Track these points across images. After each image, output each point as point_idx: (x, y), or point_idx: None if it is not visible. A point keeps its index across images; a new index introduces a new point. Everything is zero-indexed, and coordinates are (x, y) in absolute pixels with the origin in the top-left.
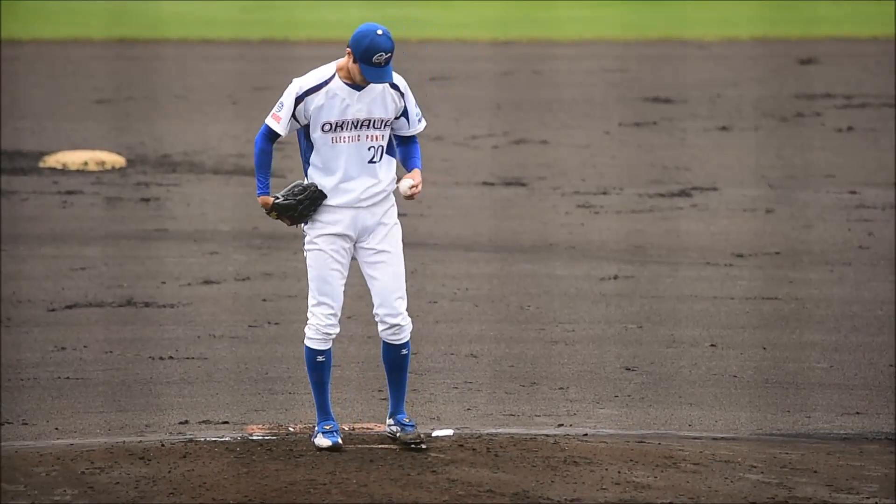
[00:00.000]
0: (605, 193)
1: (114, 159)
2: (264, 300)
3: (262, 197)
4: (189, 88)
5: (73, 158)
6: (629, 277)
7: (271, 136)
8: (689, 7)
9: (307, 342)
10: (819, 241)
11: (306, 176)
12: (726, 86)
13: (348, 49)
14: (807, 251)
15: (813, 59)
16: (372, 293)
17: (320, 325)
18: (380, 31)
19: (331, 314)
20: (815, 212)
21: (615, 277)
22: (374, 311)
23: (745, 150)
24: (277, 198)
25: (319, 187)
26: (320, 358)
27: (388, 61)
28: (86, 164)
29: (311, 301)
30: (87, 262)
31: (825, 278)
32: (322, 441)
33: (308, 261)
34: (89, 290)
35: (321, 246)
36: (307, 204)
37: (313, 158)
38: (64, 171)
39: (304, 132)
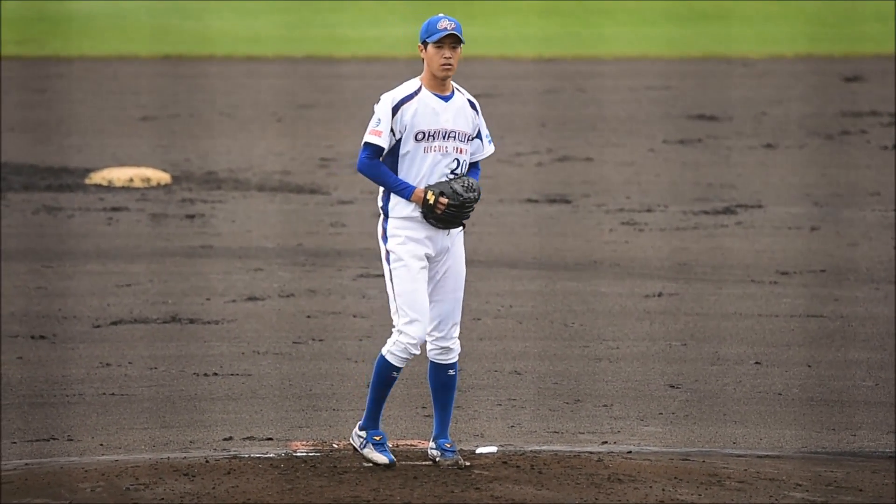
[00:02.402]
0: (649, 211)
1: (159, 176)
2: (308, 317)
3: (414, 194)
4: (234, 105)
5: (118, 175)
6: (673, 295)
7: (375, 153)
8: (734, 25)
9: (389, 357)
10: (864, 259)
11: (386, 195)
12: (771, 103)
13: (420, 47)
14: (852, 269)
15: (858, 77)
16: (430, 315)
17: (410, 343)
18: (441, 15)
19: (423, 331)
20: (861, 230)
21: (659, 295)
22: (429, 331)
23: (790, 168)
24: (450, 188)
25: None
26: (395, 374)
27: (455, 28)
28: (131, 180)
29: (401, 318)
30: (132, 278)
31: (870, 296)
32: (378, 457)
33: (395, 279)
34: (134, 307)
35: (409, 263)
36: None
37: (400, 173)
38: (109, 188)
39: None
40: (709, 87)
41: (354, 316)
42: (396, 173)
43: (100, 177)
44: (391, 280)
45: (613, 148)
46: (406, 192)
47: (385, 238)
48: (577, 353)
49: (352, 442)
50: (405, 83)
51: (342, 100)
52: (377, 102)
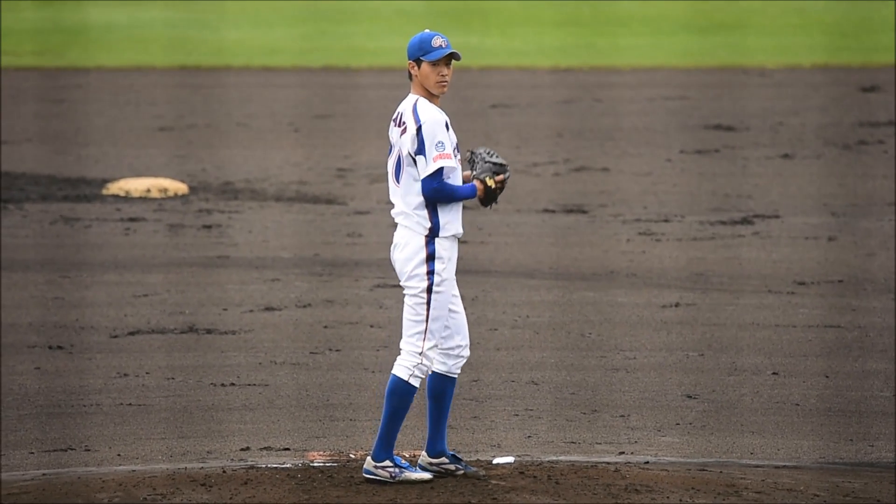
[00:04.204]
0: (666, 221)
1: (176, 186)
2: (325, 327)
3: (478, 191)
4: (251, 116)
5: (135, 185)
6: (690, 305)
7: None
8: (751, 35)
9: (412, 380)
10: (882, 270)
11: (434, 214)
12: (788, 114)
13: (411, 64)
14: (869, 279)
15: (875, 87)
16: (452, 328)
17: (429, 366)
18: (427, 30)
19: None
20: (878, 240)
21: (676, 305)
22: (456, 343)
23: (808, 178)
24: (494, 167)
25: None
26: (414, 395)
27: (447, 45)
28: (148, 191)
29: (427, 343)
30: (149, 288)
31: (888, 307)
32: (421, 475)
33: (433, 303)
34: (152, 317)
35: (447, 287)
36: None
37: None
38: (126, 199)
39: None
40: (726, 97)
41: (371, 326)
42: None
43: (117, 187)
44: (427, 304)
45: (630, 158)
46: (472, 192)
47: (432, 261)
48: (594, 363)
49: (377, 477)
50: (420, 100)
51: (359, 110)
52: (415, 125)
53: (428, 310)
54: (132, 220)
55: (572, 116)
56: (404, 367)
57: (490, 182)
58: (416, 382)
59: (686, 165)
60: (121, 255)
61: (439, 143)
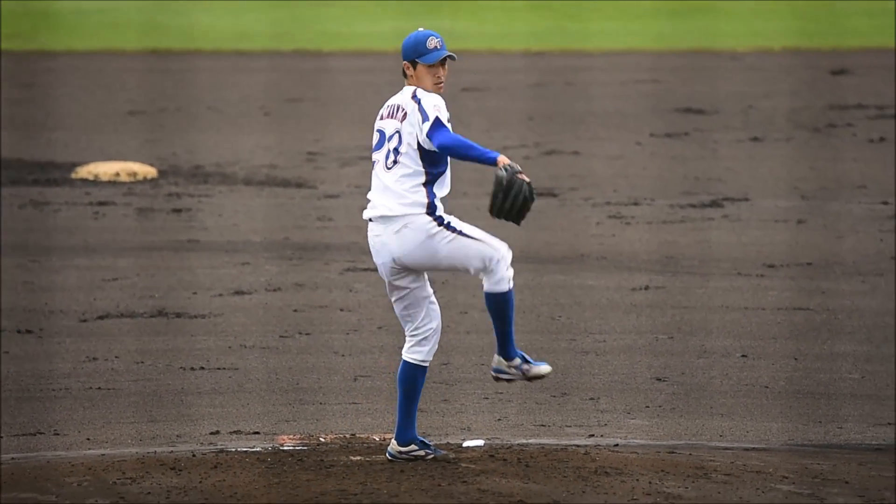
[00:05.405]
0: (636, 204)
1: (145, 170)
2: (295, 311)
3: (501, 158)
4: (222, 100)
5: (104, 169)
6: (660, 288)
7: None
8: (722, 18)
9: (511, 285)
10: (851, 252)
11: (430, 191)
12: (758, 97)
13: (406, 65)
14: (839, 262)
15: (845, 70)
16: (431, 315)
17: (509, 260)
18: (421, 28)
19: None
20: (848, 223)
21: (646, 288)
22: (432, 327)
23: (778, 161)
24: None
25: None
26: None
27: (442, 45)
28: (117, 175)
29: (495, 246)
30: (118, 272)
31: (857, 289)
32: (542, 369)
33: (458, 227)
34: (121, 301)
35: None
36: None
37: (433, 176)
38: (96, 182)
39: (426, 153)
40: (696, 80)
41: (341, 310)
42: (442, 180)
43: (86, 171)
44: (457, 232)
45: (601, 141)
46: (492, 154)
47: (434, 214)
48: (564, 346)
49: (508, 376)
50: (418, 89)
51: (330, 94)
52: (415, 104)
53: (461, 235)
54: (101, 203)
55: (543, 100)
56: (503, 282)
57: (504, 161)
58: (511, 286)
59: (656, 149)
60: (90, 240)
61: (438, 107)
